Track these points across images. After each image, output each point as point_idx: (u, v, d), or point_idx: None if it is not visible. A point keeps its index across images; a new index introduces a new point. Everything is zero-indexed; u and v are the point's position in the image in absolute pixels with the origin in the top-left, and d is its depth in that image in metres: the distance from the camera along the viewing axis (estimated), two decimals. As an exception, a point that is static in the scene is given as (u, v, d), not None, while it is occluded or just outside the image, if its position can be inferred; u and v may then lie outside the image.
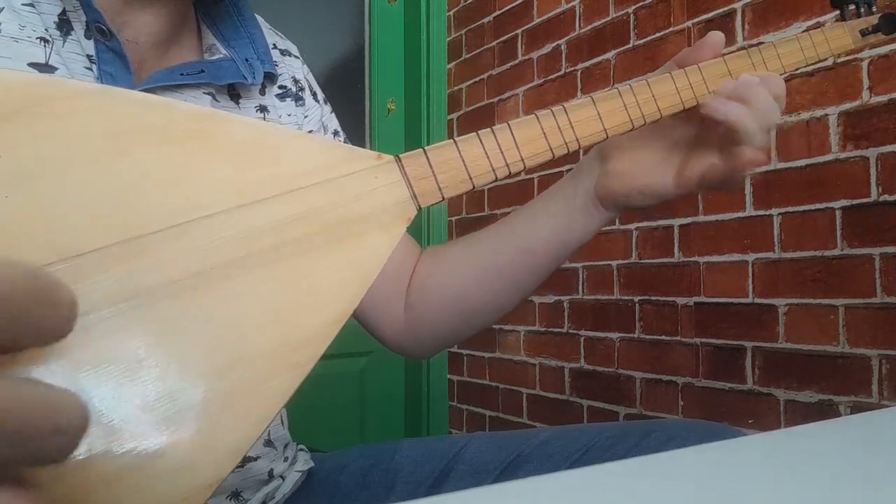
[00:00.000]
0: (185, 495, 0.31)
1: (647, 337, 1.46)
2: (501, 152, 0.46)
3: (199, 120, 0.37)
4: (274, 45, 0.69)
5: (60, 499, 0.29)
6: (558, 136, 0.48)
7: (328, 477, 0.70)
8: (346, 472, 0.70)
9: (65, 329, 0.24)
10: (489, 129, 0.46)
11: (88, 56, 0.54)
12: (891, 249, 1.08)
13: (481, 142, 0.45)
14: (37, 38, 0.52)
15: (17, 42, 0.51)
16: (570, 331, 1.66)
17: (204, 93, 0.60)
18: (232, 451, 0.33)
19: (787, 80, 0.56)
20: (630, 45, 1.53)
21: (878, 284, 1.09)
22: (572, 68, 1.68)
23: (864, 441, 0.32)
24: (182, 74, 0.58)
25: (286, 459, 0.67)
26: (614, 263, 1.54)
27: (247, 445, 0.34)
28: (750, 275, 1.26)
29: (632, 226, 1.50)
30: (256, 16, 0.66)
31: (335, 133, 0.73)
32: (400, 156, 0.42)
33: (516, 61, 1.86)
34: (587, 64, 1.64)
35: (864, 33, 0.64)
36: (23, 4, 0.52)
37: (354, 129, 2.02)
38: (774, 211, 1.23)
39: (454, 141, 0.44)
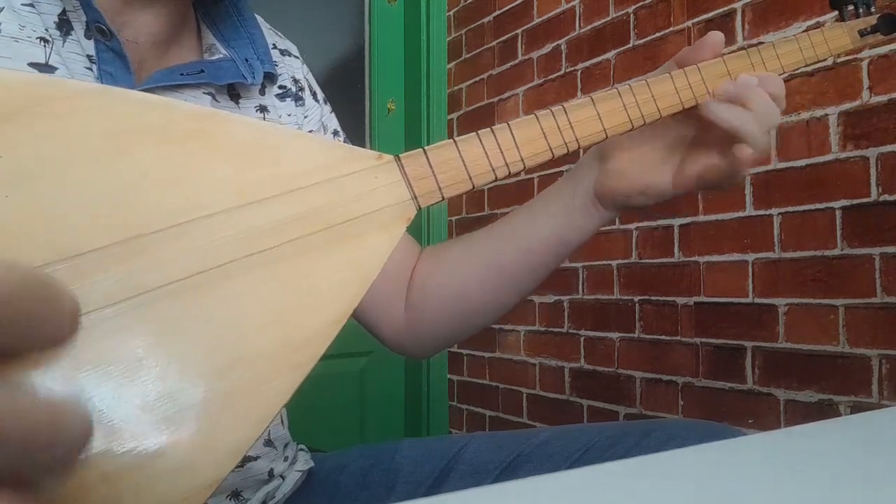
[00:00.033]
0: (185, 495, 0.31)
1: (647, 337, 1.46)
2: (501, 152, 0.46)
3: (199, 120, 0.37)
4: (274, 45, 0.69)
5: (60, 498, 0.29)
6: (558, 136, 0.48)
7: (328, 477, 0.70)
8: (347, 472, 0.70)
9: (66, 333, 0.24)
10: (489, 128, 0.46)
11: (88, 56, 0.54)
12: (891, 249, 1.08)
13: (481, 142, 0.45)
14: (37, 38, 0.52)
15: (17, 42, 0.51)
16: (570, 331, 1.66)
17: (204, 93, 0.60)
18: (232, 451, 0.33)
19: (786, 81, 0.56)
20: (630, 45, 1.53)
21: (878, 284, 1.09)
22: (572, 68, 1.68)
23: (864, 441, 0.32)
24: (182, 74, 0.58)
25: (286, 459, 0.67)
26: (614, 263, 1.54)
27: (247, 445, 0.34)
28: (750, 275, 1.26)
29: (632, 226, 1.50)
30: (256, 16, 0.66)
31: (335, 133, 0.73)
32: (400, 156, 0.42)
33: (516, 61, 1.86)
34: (587, 64, 1.64)
35: (862, 34, 0.64)
36: (23, 4, 0.52)
37: (354, 129, 2.02)
38: (774, 211, 1.23)
39: (454, 141, 0.44)
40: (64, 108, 0.34)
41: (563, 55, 1.71)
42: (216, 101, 0.61)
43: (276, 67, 0.66)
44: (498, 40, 1.93)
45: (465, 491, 0.24)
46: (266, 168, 0.38)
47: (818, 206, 1.17)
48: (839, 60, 1.15)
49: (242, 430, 0.34)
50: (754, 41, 1.27)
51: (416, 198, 0.42)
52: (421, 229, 2.04)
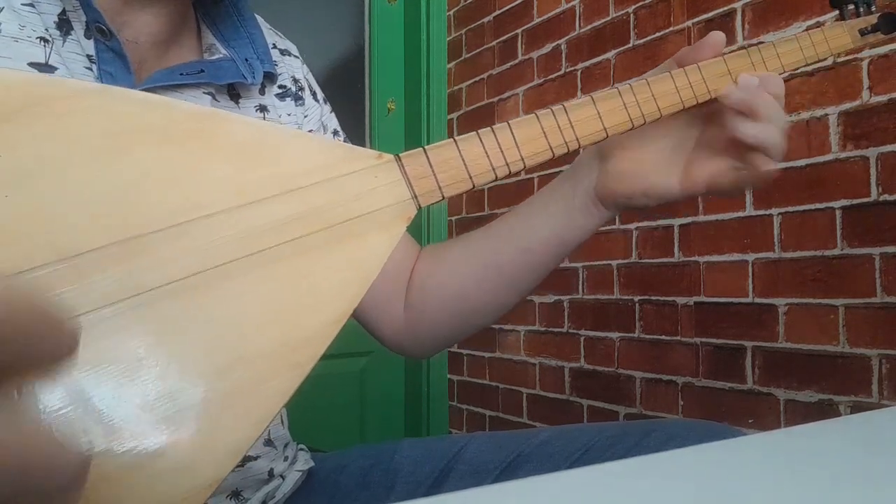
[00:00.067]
0: (185, 495, 0.31)
1: (647, 337, 1.46)
2: (501, 151, 0.46)
3: (199, 119, 0.37)
4: (273, 44, 0.69)
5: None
6: (558, 136, 0.48)
7: (328, 477, 0.70)
8: (346, 471, 0.70)
9: (64, 352, 0.23)
10: (489, 128, 0.46)
11: (88, 56, 0.54)
12: (891, 249, 1.08)
13: (481, 141, 0.45)
14: (37, 37, 0.52)
15: (17, 42, 0.51)
16: (570, 330, 1.66)
17: (204, 92, 0.60)
18: (232, 451, 0.33)
19: (786, 80, 0.56)
20: (630, 45, 1.53)
21: (878, 284, 1.09)
22: (572, 68, 1.68)
23: (864, 441, 0.32)
24: (182, 74, 0.58)
25: (286, 459, 0.67)
26: (614, 263, 1.54)
27: (247, 445, 0.34)
28: (750, 275, 1.26)
29: (632, 225, 1.50)
30: (256, 16, 0.66)
31: (335, 132, 0.73)
32: (400, 155, 0.42)
33: (516, 61, 1.86)
34: (587, 64, 1.64)
35: (863, 33, 0.64)
36: (23, 4, 0.52)
37: (354, 129, 2.02)
38: (774, 211, 1.23)
39: (454, 140, 0.44)
40: (64, 107, 0.34)
41: (563, 55, 1.71)
42: (216, 100, 0.61)
43: (275, 67, 0.66)
44: (498, 40, 1.93)
45: (465, 491, 0.24)
46: (266, 168, 0.38)
47: (818, 206, 1.17)
48: (839, 60, 1.15)
49: (242, 430, 0.34)
50: (754, 41, 1.27)
51: (416, 197, 0.42)
52: (421, 229, 2.04)
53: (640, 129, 0.54)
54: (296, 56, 0.72)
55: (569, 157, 0.53)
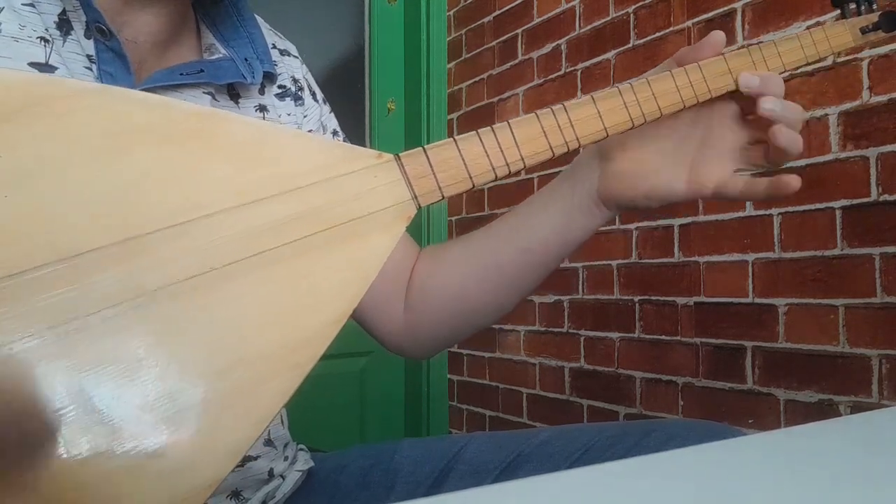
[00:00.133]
0: (185, 495, 0.31)
1: (647, 337, 1.46)
2: (501, 151, 0.45)
3: (199, 119, 0.37)
4: (273, 45, 0.69)
5: (61, 497, 0.29)
6: (558, 135, 0.48)
7: (328, 477, 0.70)
8: (346, 471, 0.69)
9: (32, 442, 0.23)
10: (489, 127, 0.45)
11: (88, 56, 0.54)
12: (891, 249, 1.08)
13: (481, 141, 0.45)
14: (37, 37, 0.52)
15: (18, 42, 0.51)
16: (570, 331, 1.66)
17: (203, 92, 0.60)
18: (232, 451, 0.33)
19: (786, 80, 0.56)
20: (630, 45, 1.53)
21: (878, 284, 1.09)
22: (572, 68, 1.68)
23: (864, 441, 0.32)
24: (182, 74, 0.58)
25: (286, 459, 0.67)
26: (614, 263, 1.54)
27: (247, 445, 0.34)
28: (750, 275, 1.26)
29: (632, 225, 1.50)
30: (255, 16, 0.66)
31: (334, 133, 0.73)
32: (400, 155, 0.42)
33: (516, 61, 1.86)
34: (587, 64, 1.64)
35: (864, 31, 0.64)
36: (23, 4, 0.52)
37: (354, 129, 2.02)
38: (774, 211, 1.23)
39: (454, 140, 0.44)
40: (64, 107, 0.34)
41: (563, 55, 1.71)
42: (216, 100, 0.61)
43: (275, 67, 0.66)
44: (498, 40, 1.93)
45: (465, 491, 0.24)
46: (266, 168, 0.38)
47: (818, 206, 1.17)
48: (839, 60, 1.15)
49: (242, 430, 0.34)
50: (754, 41, 1.27)
51: (416, 197, 0.42)
52: (421, 229, 2.04)
53: (642, 130, 0.53)
54: (295, 56, 0.72)
55: (569, 156, 0.53)
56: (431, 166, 0.43)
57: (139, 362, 0.32)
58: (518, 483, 0.25)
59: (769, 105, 0.52)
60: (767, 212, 1.24)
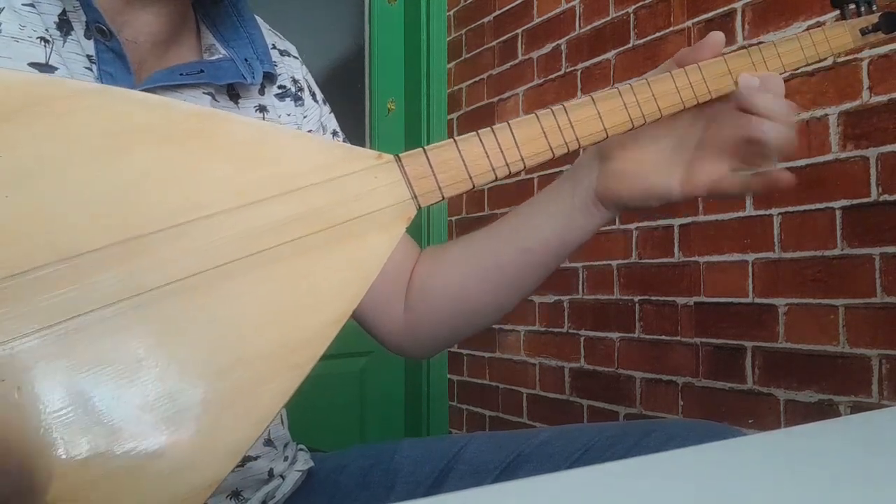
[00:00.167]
0: (185, 495, 0.31)
1: (647, 337, 1.46)
2: (501, 152, 0.45)
3: (199, 119, 0.37)
4: (273, 45, 0.69)
5: (61, 497, 0.29)
6: (558, 136, 0.48)
7: (328, 477, 0.70)
8: (346, 471, 0.70)
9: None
10: (489, 128, 0.45)
11: (88, 56, 0.54)
12: (891, 249, 1.08)
13: (481, 141, 0.45)
14: (37, 38, 0.52)
15: (18, 42, 0.51)
16: (570, 331, 1.66)
17: (203, 93, 0.60)
18: (232, 451, 0.33)
19: (786, 80, 0.56)
20: (630, 45, 1.53)
21: (878, 284, 1.09)
22: (572, 68, 1.68)
23: (864, 441, 0.32)
24: (182, 74, 0.58)
25: (286, 459, 0.67)
26: (614, 263, 1.54)
27: (246, 445, 0.34)
28: (750, 275, 1.26)
29: (632, 226, 1.50)
30: (255, 16, 0.66)
31: (334, 133, 0.73)
32: (400, 155, 0.42)
33: (516, 61, 1.86)
34: (587, 64, 1.64)
35: (864, 32, 0.64)
36: (23, 4, 0.52)
37: (354, 129, 2.02)
38: (774, 211, 1.23)
39: (454, 140, 0.44)
40: (64, 107, 0.34)
41: (563, 55, 1.71)
42: (216, 100, 0.61)
43: (275, 67, 0.66)
44: (498, 40, 1.93)
45: (465, 491, 0.24)
46: (266, 168, 0.38)
47: (818, 206, 1.17)
48: (839, 60, 1.15)
49: (242, 430, 0.34)
50: (754, 41, 1.27)
51: (416, 197, 0.42)
52: (421, 229, 2.04)
53: (641, 130, 0.53)
54: (295, 57, 0.72)
55: (569, 157, 0.53)
56: (431, 167, 0.43)
57: (139, 362, 0.32)
58: (518, 483, 0.25)
59: (762, 100, 0.52)
60: (767, 212, 1.24)
